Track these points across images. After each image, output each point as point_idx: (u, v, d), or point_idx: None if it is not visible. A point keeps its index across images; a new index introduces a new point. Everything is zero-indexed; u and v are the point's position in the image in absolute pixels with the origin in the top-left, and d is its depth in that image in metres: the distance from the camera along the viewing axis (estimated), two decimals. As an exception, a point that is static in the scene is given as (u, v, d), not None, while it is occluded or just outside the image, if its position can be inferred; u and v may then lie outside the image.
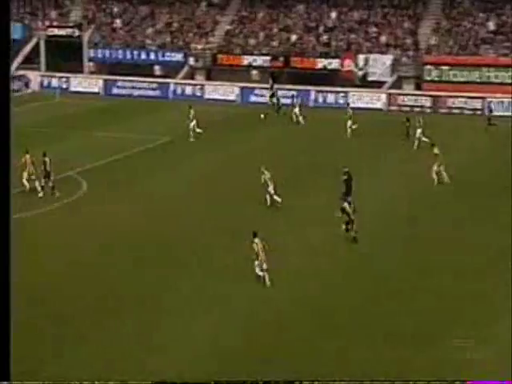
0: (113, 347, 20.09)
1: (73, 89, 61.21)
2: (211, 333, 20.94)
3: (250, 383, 16.64)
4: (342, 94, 56.36)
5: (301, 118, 49.64)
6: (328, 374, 18.37)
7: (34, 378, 17.88)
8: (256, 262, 23.86)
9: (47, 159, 33.14)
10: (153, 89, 59.79)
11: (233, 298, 23.14)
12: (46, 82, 62.03)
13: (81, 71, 62.83)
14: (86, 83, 61.47)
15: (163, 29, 64.38)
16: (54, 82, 61.44)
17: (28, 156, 33.38)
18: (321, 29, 61.44)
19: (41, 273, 24.87)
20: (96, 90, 60.97)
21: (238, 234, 26.97)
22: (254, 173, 32.58)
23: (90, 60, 63.65)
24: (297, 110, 50.03)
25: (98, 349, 20.03)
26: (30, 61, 64.70)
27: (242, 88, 57.93)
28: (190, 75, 61.68)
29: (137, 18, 65.85)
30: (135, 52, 62.63)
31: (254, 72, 59.73)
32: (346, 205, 27.74)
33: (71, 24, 65.48)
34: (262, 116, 49.72)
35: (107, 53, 63.27)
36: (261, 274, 23.85)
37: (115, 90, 60.64)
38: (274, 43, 60.99)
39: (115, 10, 66.65)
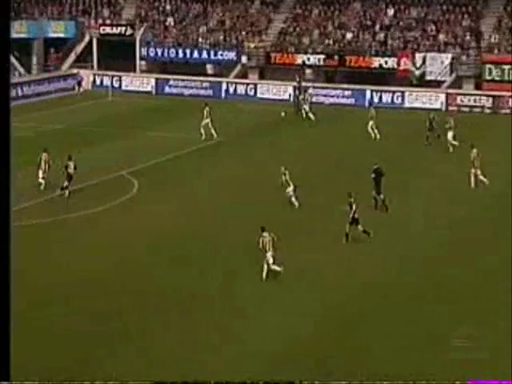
0: (160, 345, 19.92)
1: (125, 88, 61.00)
2: (258, 333, 20.63)
3: (250, 383, 16.71)
4: (398, 94, 55.19)
5: (311, 115, 48.79)
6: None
7: (92, 376, 17.85)
8: (268, 254, 23.67)
9: (71, 163, 32.99)
10: (205, 88, 59.27)
11: (278, 300, 22.68)
12: (98, 81, 61.90)
13: (133, 70, 62.61)
14: (138, 82, 61.22)
15: (216, 27, 63.86)
16: (106, 81, 61.32)
17: (45, 154, 33.77)
18: (377, 27, 60.36)
19: (91, 270, 24.84)
20: (148, 88, 60.69)
21: (284, 234, 26.33)
22: (305, 173, 31.72)
23: (142, 59, 63.36)
24: (307, 106, 49.37)
25: (145, 346, 19.94)
26: (83, 59, 64.67)
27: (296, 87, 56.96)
28: (243, 74, 61.06)
29: (189, 16, 65.46)
30: (187, 50, 62.21)
31: (308, 71, 58.87)
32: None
33: (124, 22, 65.31)
34: (283, 114, 48.78)
35: (159, 51, 62.93)
36: (277, 268, 23.72)
37: (167, 89, 60.28)
38: (329, 41, 60.01)
39: (168, 8, 66.32)
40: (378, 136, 43.92)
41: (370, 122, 44.29)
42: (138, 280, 24.12)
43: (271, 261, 23.71)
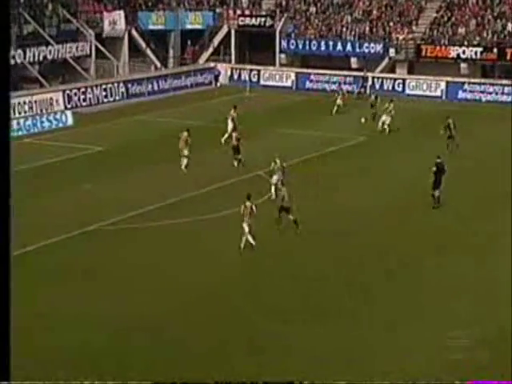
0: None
1: (263, 82, 59.44)
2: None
3: (249, 383, 16.91)
4: None
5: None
6: None
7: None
8: (245, 223, 25.52)
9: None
10: (348, 83, 56.57)
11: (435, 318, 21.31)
12: (235, 75, 60.47)
13: (272, 63, 60.84)
14: (277, 76, 59.42)
15: (362, 17, 61.41)
16: (244, 75, 59.80)
17: (185, 134, 36.34)
18: (541, 16, 56.24)
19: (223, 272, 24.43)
20: (288, 83, 58.82)
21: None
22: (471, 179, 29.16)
23: (282, 51, 61.50)
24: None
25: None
26: (220, 52, 63.40)
27: (449, 83, 53.80)
28: (390, 68, 58.38)
29: (333, 6, 62.99)
30: (330, 43, 59.96)
31: (463, 65, 55.55)
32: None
33: (263, 13, 63.49)
34: (363, 120, 45.46)
35: (300, 44, 60.83)
36: (251, 239, 25.56)
37: (308, 84, 58.24)
38: (487, 33, 56.33)
39: (310, -3, 64.02)
40: None
41: (384, 116, 42.48)
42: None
43: (247, 230, 25.53)
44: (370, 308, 22.42)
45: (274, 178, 31.38)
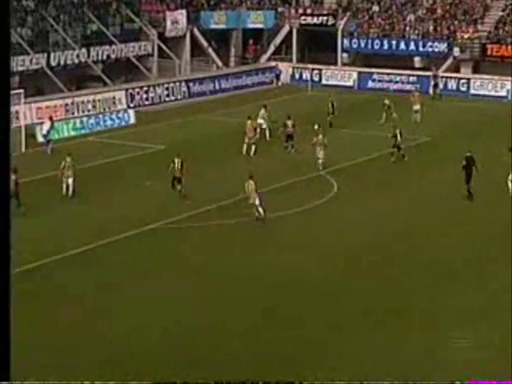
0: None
1: (325, 82, 59.87)
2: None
3: (249, 383, 17.16)
4: None
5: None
6: None
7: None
8: (250, 201, 29.72)
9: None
10: (412, 82, 56.75)
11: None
12: (296, 75, 61.01)
13: (334, 63, 61.23)
14: (339, 76, 59.88)
15: (425, 16, 61.59)
16: (306, 75, 60.21)
17: (249, 122, 39.38)
18: None
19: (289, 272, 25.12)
20: (349, 83, 59.26)
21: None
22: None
23: (344, 51, 61.94)
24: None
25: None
26: (282, 51, 64.03)
27: (515, 83, 53.67)
28: (455, 68, 58.38)
29: (396, 4, 63.12)
30: (393, 42, 60.11)
31: (530, 65, 55.12)
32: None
33: (325, 12, 63.92)
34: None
35: (363, 43, 61.16)
36: (261, 211, 29.63)
37: (370, 84, 58.63)
38: (554, 31, 56.04)
39: (374, -5, 64.25)
40: None
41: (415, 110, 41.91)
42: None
43: (258, 202, 29.52)
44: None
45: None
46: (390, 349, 20.36)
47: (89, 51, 53.78)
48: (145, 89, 53.03)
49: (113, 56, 55.42)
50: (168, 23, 59.57)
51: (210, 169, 37.46)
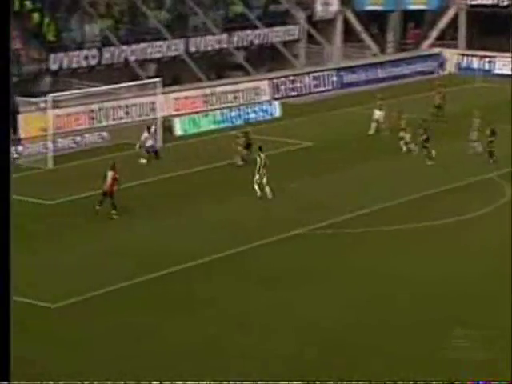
0: None
1: (497, 71, 59.99)
2: None
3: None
4: None
5: None
6: None
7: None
8: (256, 177, 34.23)
9: None
10: None
11: None
12: (463, 63, 61.18)
13: (508, 49, 60.97)
14: (513, 64, 59.56)
15: None
16: (475, 63, 60.23)
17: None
18: None
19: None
20: (525, 72, 58.78)
21: None
22: None
23: (520, 35, 61.58)
24: None
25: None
26: (446, 36, 64.26)
27: None
28: None
29: None
30: None
31: None
32: None
33: (500, -8, 63.87)
34: None
35: (543, 26, 60.75)
36: (256, 187, 34.25)
37: (551, 74, 57.98)
38: None
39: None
40: None
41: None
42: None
43: (265, 180, 34.30)
44: None
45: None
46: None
47: (230, 36, 55.64)
48: (291, 78, 54.49)
49: (256, 42, 57.04)
50: (318, 5, 60.87)
51: (365, 168, 38.93)
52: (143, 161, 40.20)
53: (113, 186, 32.85)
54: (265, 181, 34.58)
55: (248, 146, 39.92)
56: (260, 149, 35.83)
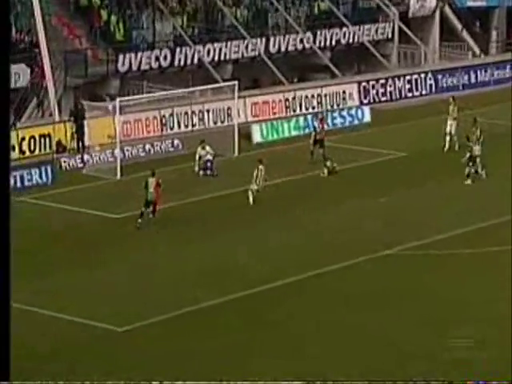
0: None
1: None
2: None
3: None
4: None
5: None
6: None
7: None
8: (252, 185, 36.11)
9: None
10: None
11: None
12: None
13: None
14: None
15: None
16: None
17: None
18: None
19: None
20: None
21: None
22: None
23: None
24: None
25: None
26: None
27: None
28: None
29: None
30: None
31: None
32: None
33: None
34: None
35: None
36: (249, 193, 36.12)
37: None
38: None
39: None
40: None
41: None
42: None
43: (255, 187, 36.04)
44: None
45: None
46: None
47: (315, 35, 55.43)
48: (382, 81, 54.16)
49: (343, 41, 56.83)
50: (412, 0, 60.51)
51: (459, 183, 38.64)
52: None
53: (158, 194, 33.81)
54: None
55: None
56: (260, 161, 36.73)
